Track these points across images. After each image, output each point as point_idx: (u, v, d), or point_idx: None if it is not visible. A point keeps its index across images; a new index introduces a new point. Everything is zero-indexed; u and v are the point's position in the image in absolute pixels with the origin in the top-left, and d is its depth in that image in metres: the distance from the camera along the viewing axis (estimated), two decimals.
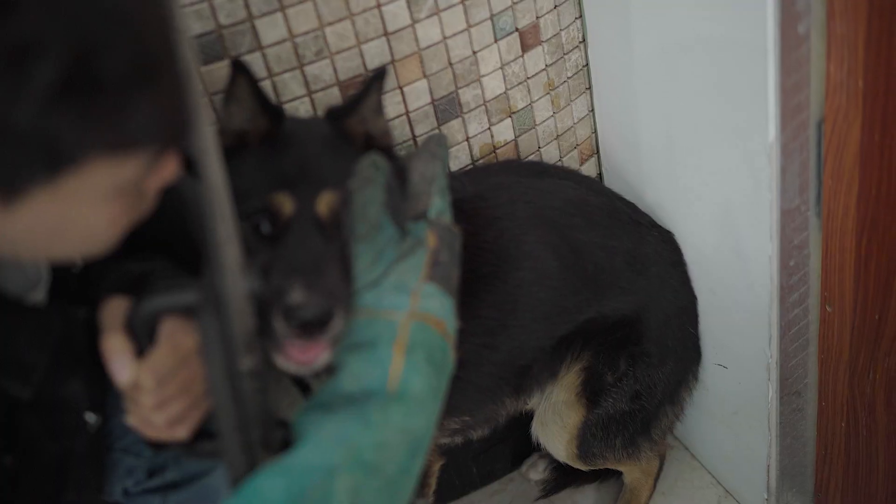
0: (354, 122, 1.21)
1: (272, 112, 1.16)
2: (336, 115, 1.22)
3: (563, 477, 2.12)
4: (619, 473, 2.06)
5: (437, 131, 1.69)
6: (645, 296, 1.73)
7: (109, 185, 0.79)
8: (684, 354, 1.84)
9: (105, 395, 1.20)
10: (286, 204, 1.09)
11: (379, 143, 1.23)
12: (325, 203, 1.10)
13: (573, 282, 1.64)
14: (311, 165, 1.13)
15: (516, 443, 2.19)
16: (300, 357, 1.05)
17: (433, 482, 1.83)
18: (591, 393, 1.75)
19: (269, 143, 1.16)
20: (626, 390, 1.76)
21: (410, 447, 0.97)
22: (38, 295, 1.09)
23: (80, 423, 1.07)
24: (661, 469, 2.03)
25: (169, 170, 0.86)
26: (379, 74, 1.19)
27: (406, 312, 1.01)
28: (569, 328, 1.68)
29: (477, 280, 1.39)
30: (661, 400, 1.82)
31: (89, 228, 0.83)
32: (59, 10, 0.69)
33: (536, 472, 2.16)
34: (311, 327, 1.01)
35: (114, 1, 0.72)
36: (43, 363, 0.96)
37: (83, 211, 0.80)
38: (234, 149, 1.14)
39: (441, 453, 1.84)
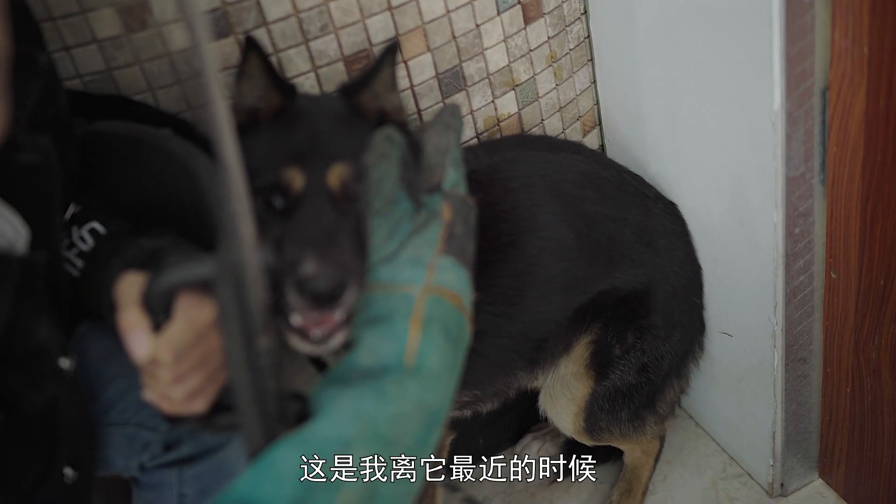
0: (367, 98, 1.21)
1: (284, 88, 1.16)
2: (349, 91, 1.21)
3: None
4: (614, 459, 2.09)
5: (441, 105, 1.70)
6: (653, 268, 1.74)
7: None
8: (690, 326, 1.86)
9: (69, 339, 1.21)
10: (297, 178, 1.09)
11: (392, 119, 1.23)
12: (336, 176, 1.10)
13: (588, 253, 1.65)
14: (322, 140, 1.13)
15: (523, 415, 2.20)
16: (314, 329, 1.05)
17: (445, 455, 1.84)
18: (599, 365, 1.76)
19: (280, 119, 1.16)
20: (633, 363, 1.77)
21: (427, 421, 0.97)
22: (22, 248, 1.07)
23: (56, 370, 1.07)
24: (661, 450, 2.04)
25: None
26: (391, 48, 1.19)
27: (422, 286, 1.01)
28: (583, 300, 1.69)
29: (494, 249, 1.39)
30: (667, 373, 1.83)
31: None
32: None
33: (531, 452, 2.17)
34: (324, 299, 1.01)
35: None
36: (4, 312, 0.95)
37: None
38: (247, 126, 1.14)
39: (451, 427, 1.85)
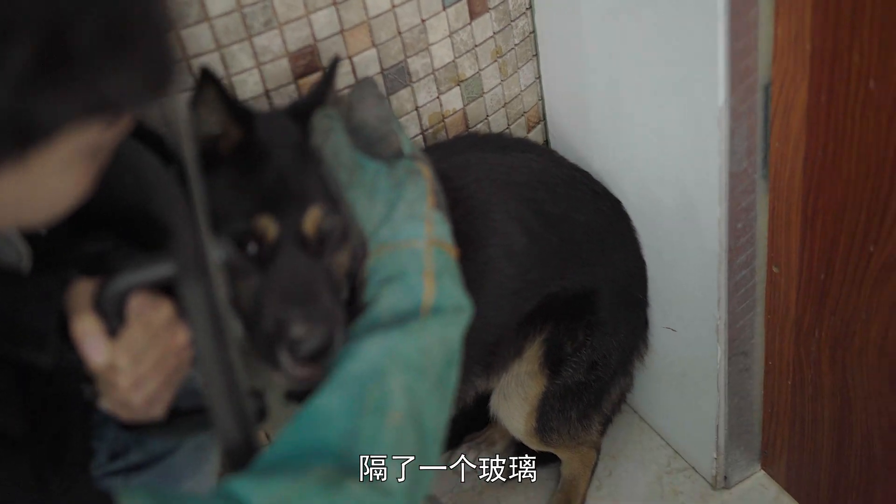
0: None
1: (243, 119, 1.13)
2: (301, 112, 1.18)
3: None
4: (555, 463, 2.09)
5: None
6: (600, 267, 1.74)
7: (76, 150, 0.77)
8: (636, 322, 1.87)
9: None
10: (270, 227, 1.07)
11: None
12: (311, 222, 1.09)
13: (539, 256, 1.64)
14: (290, 181, 1.11)
15: (472, 412, 2.19)
16: (304, 377, 1.06)
17: None
18: (552, 363, 1.76)
19: (242, 152, 1.13)
20: (583, 360, 1.77)
21: (447, 356, 1.06)
22: (26, 268, 1.07)
23: (78, 393, 1.05)
24: (597, 462, 2.05)
25: (128, 122, 0.84)
26: (334, 64, 1.18)
27: (424, 240, 1.07)
28: (534, 303, 1.68)
29: None
30: (615, 370, 1.84)
31: (56, 193, 0.81)
32: None
33: (468, 462, 2.12)
34: (316, 356, 1.03)
35: None
36: (52, 329, 0.94)
37: (51, 178, 0.78)
38: (206, 156, 1.10)
39: None
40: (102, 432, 1.27)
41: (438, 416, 1.03)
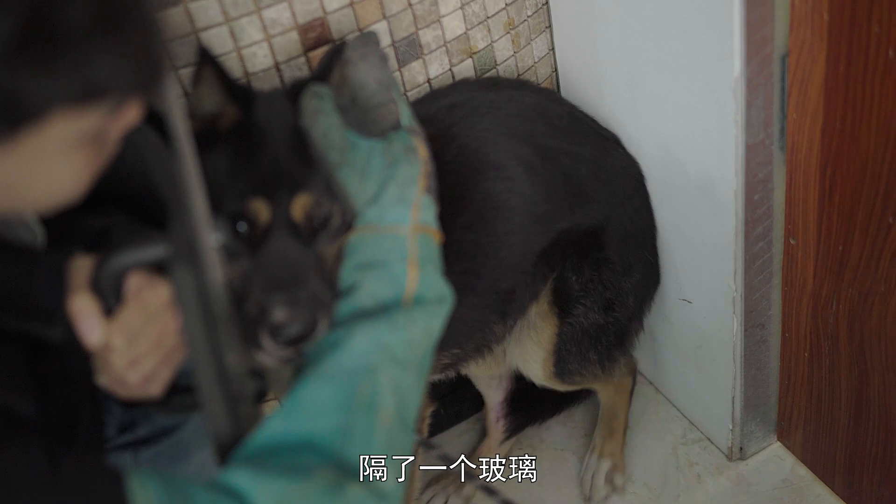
0: None
1: (242, 99, 1.13)
2: (301, 93, 1.16)
3: (523, 416, 2.09)
4: (585, 400, 2.09)
5: (396, 73, 1.67)
6: (608, 206, 1.71)
7: (71, 136, 0.76)
8: (647, 273, 1.84)
9: None
10: (262, 211, 1.08)
11: None
12: (300, 207, 1.09)
13: (544, 188, 1.60)
14: (285, 165, 1.11)
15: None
16: (285, 358, 1.08)
17: (425, 428, 1.81)
18: (561, 300, 1.72)
19: (239, 132, 1.13)
20: (596, 298, 1.73)
21: (428, 347, 1.07)
22: (40, 247, 1.07)
23: (88, 368, 1.05)
24: (634, 385, 2.04)
25: (133, 114, 0.84)
26: (338, 48, 1.17)
27: (409, 226, 1.07)
28: (546, 240, 1.64)
29: (444, 203, 1.39)
30: (634, 312, 1.82)
31: (52, 180, 0.80)
32: None
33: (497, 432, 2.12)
34: (297, 340, 1.04)
35: None
36: (61, 304, 0.94)
37: (45, 163, 0.77)
38: (205, 135, 1.10)
39: (432, 399, 1.82)
40: (110, 406, 1.27)
41: (416, 406, 1.05)
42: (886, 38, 1.21)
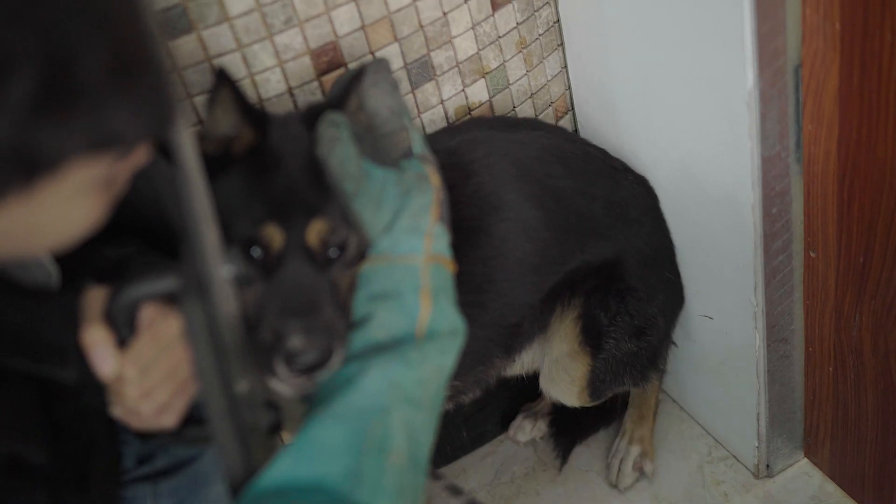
0: None
1: (257, 122, 1.12)
2: (317, 117, 1.15)
3: (567, 437, 2.11)
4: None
5: (409, 95, 1.67)
6: (623, 240, 1.72)
7: (86, 182, 0.77)
8: (671, 291, 1.85)
9: None
10: (276, 237, 1.07)
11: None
12: (315, 233, 1.08)
13: (557, 230, 1.61)
14: (300, 190, 1.10)
15: (505, 404, 2.19)
16: (300, 387, 1.06)
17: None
18: (591, 338, 1.73)
19: (254, 156, 1.12)
20: (625, 329, 1.74)
21: (441, 384, 1.05)
22: (55, 287, 1.08)
23: (101, 404, 1.05)
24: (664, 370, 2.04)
25: (143, 154, 0.84)
26: (357, 75, 1.16)
27: (422, 256, 1.06)
28: (555, 279, 1.66)
29: (458, 235, 1.39)
30: (664, 334, 1.83)
31: (66, 223, 0.81)
32: (30, 21, 0.67)
33: (524, 433, 2.15)
34: (312, 369, 1.03)
35: (84, 3, 0.70)
36: (72, 343, 0.94)
37: (59, 208, 0.78)
38: (219, 158, 1.10)
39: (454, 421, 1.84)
40: (127, 438, 1.27)
41: (428, 445, 1.02)
42: None
